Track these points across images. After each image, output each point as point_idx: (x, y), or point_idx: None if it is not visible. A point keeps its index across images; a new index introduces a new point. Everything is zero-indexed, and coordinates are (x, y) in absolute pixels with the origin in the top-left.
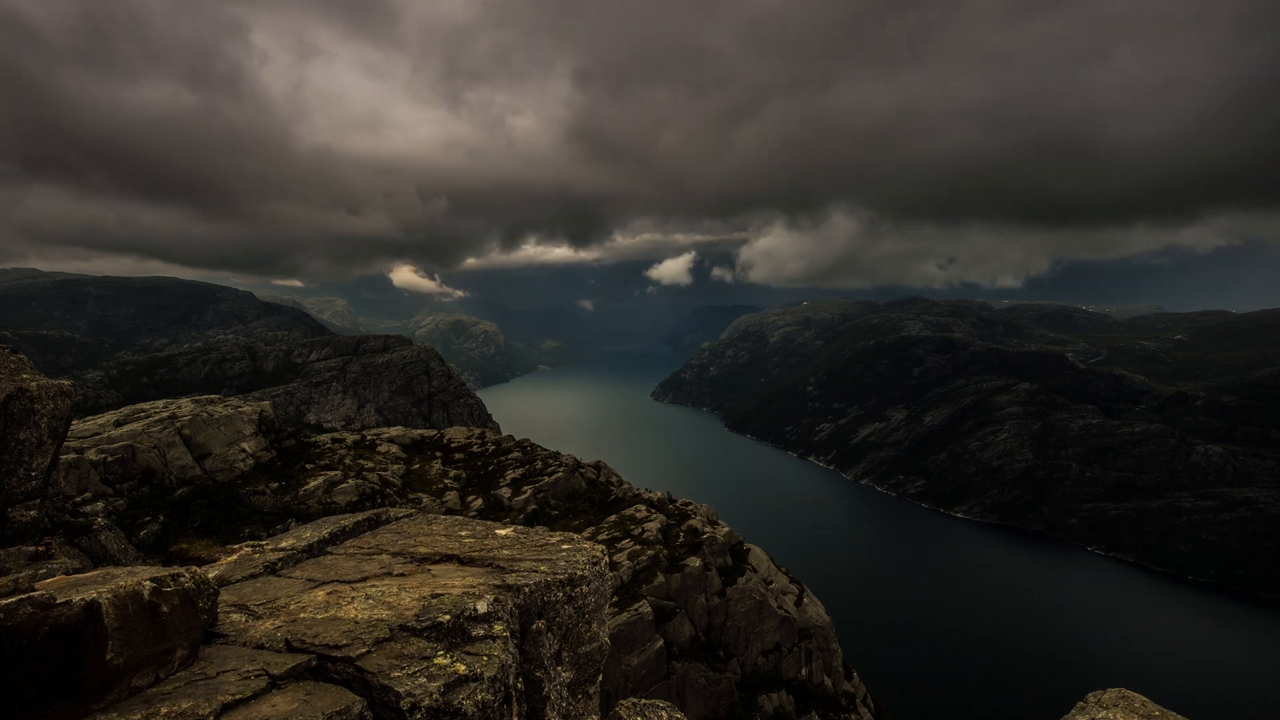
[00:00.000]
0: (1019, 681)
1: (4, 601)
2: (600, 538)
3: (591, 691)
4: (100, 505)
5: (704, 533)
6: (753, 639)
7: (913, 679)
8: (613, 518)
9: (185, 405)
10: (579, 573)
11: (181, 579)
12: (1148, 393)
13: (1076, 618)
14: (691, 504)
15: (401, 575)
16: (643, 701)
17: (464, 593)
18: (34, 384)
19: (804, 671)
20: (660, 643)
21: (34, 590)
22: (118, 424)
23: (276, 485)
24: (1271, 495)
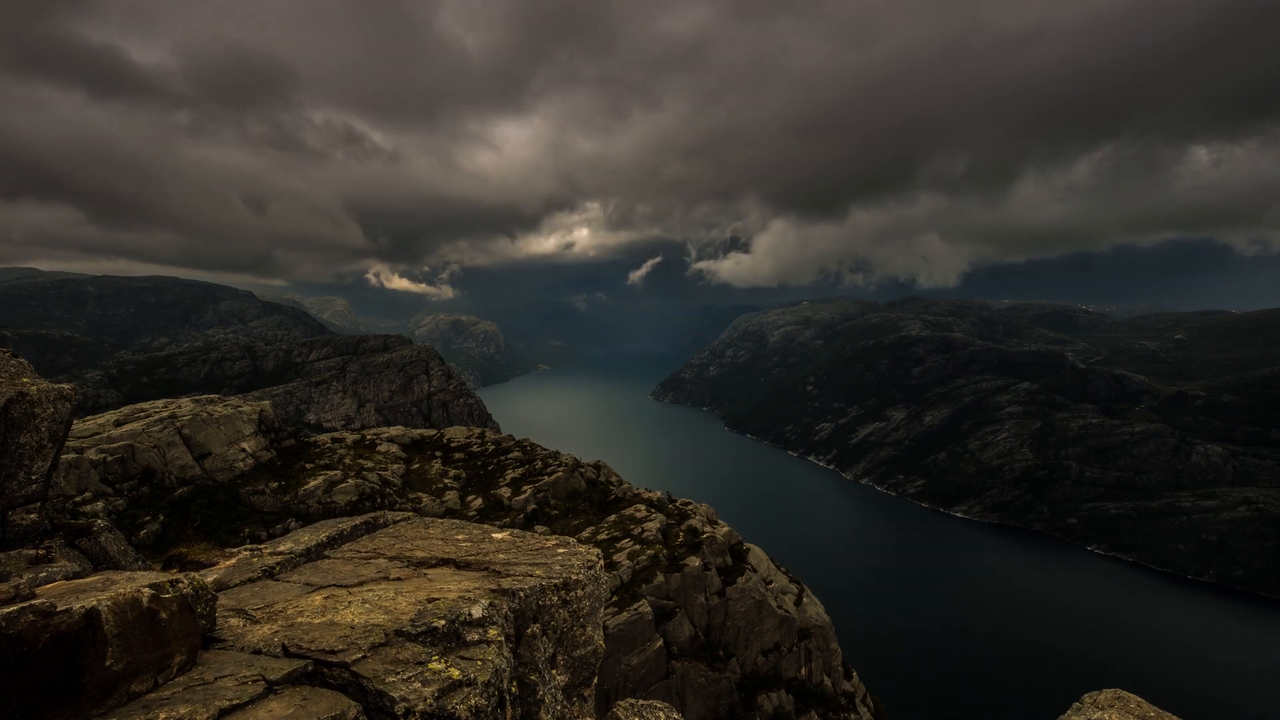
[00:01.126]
0: (1018, 680)
1: (6, 610)
2: (600, 537)
3: (586, 694)
4: (100, 505)
5: (703, 532)
6: (752, 638)
7: (912, 678)
8: (612, 517)
9: (185, 405)
10: (574, 576)
11: (180, 585)
12: (1148, 392)
13: (1076, 617)
14: (691, 504)
15: (398, 579)
16: (640, 702)
17: (459, 597)
18: (34, 388)
19: (803, 671)
20: (660, 642)
21: (35, 598)
22: (118, 424)
23: (276, 485)
24: (1271, 495)
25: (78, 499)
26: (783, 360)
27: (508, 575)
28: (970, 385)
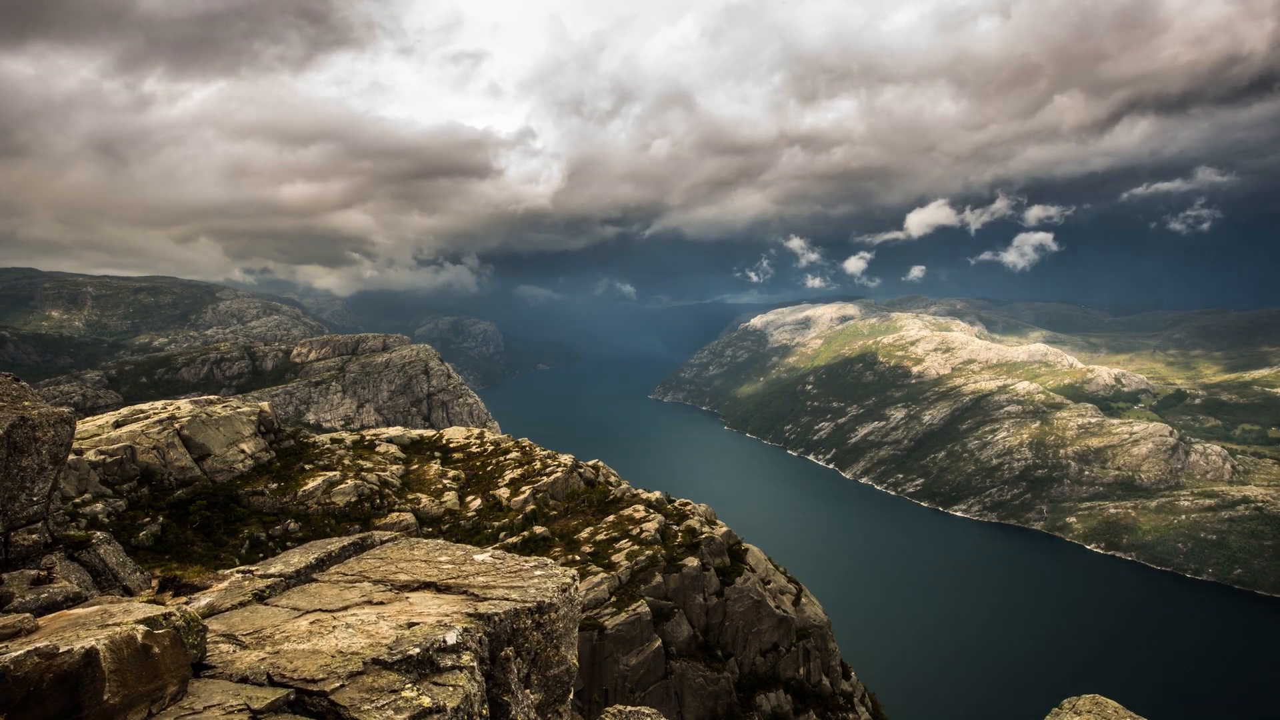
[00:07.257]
0: (1016, 678)
1: (14, 653)
2: (598, 537)
3: (561, 710)
4: (100, 506)
5: (702, 532)
6: (751, 638)
7: (910, 677)
8: (611, 518)
9: (184, 406)
10: (548, 600)
11: (173, 618)
12: (1147, 391)
13: (1073, 617)
14: (690, 504)
15: (380, 604)
16: (627, 709)
17: (437, 622)
18: (36, 412)
19: (802, 671)
20: (658, 642)
21: (37, 631)
22: (117, 425)
23: (275, 486)
24: (1270, 494)
25: (77, 500)
26: (782, 359)
27: (485, 599)
28: (969, 384)
